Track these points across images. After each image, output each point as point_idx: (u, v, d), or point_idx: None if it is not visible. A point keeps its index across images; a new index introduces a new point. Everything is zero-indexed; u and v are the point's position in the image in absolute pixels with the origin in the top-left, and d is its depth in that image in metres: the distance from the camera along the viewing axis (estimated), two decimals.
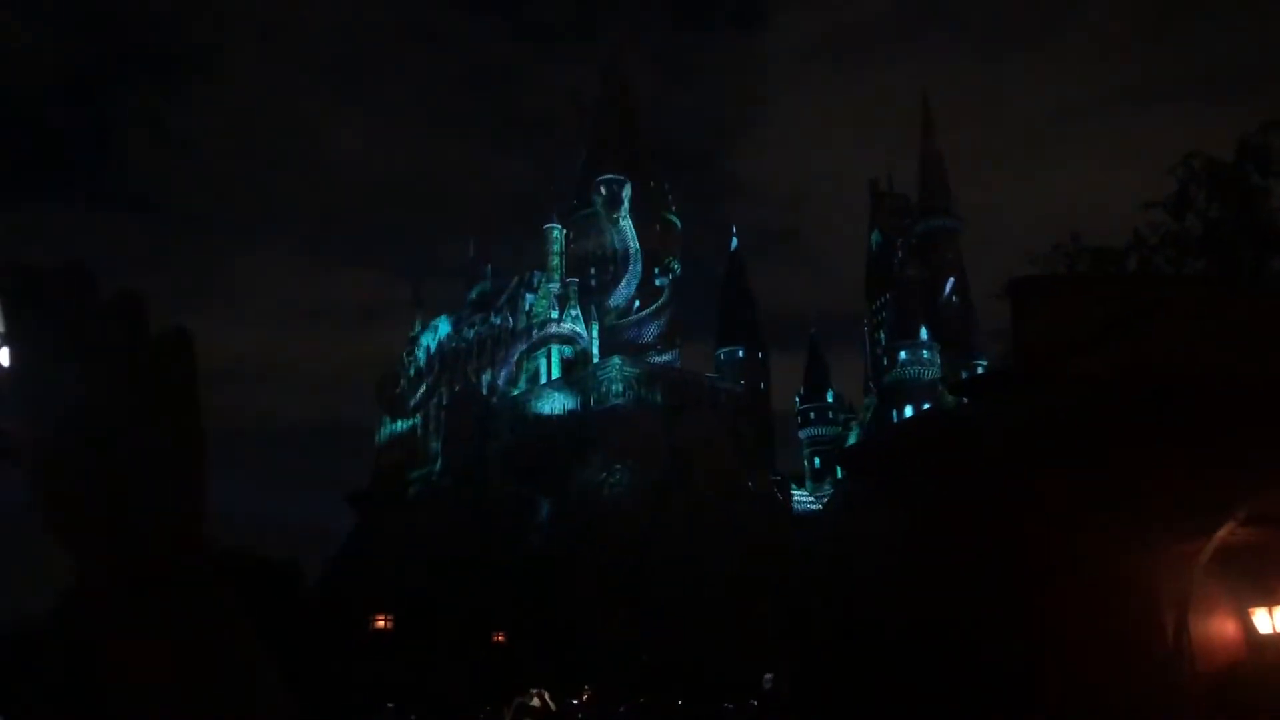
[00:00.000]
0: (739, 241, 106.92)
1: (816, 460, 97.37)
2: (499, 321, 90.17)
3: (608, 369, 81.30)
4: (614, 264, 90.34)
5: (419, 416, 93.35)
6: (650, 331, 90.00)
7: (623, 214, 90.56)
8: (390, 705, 35.72)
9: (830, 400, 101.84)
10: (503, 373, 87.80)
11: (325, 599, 49.07)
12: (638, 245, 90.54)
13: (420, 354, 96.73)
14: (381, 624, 36.41)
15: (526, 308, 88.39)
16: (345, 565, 73.68)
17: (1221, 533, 0.74)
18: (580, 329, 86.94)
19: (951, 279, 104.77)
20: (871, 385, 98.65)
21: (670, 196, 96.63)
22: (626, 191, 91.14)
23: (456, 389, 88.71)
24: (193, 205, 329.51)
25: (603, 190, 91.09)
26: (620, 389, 78.31)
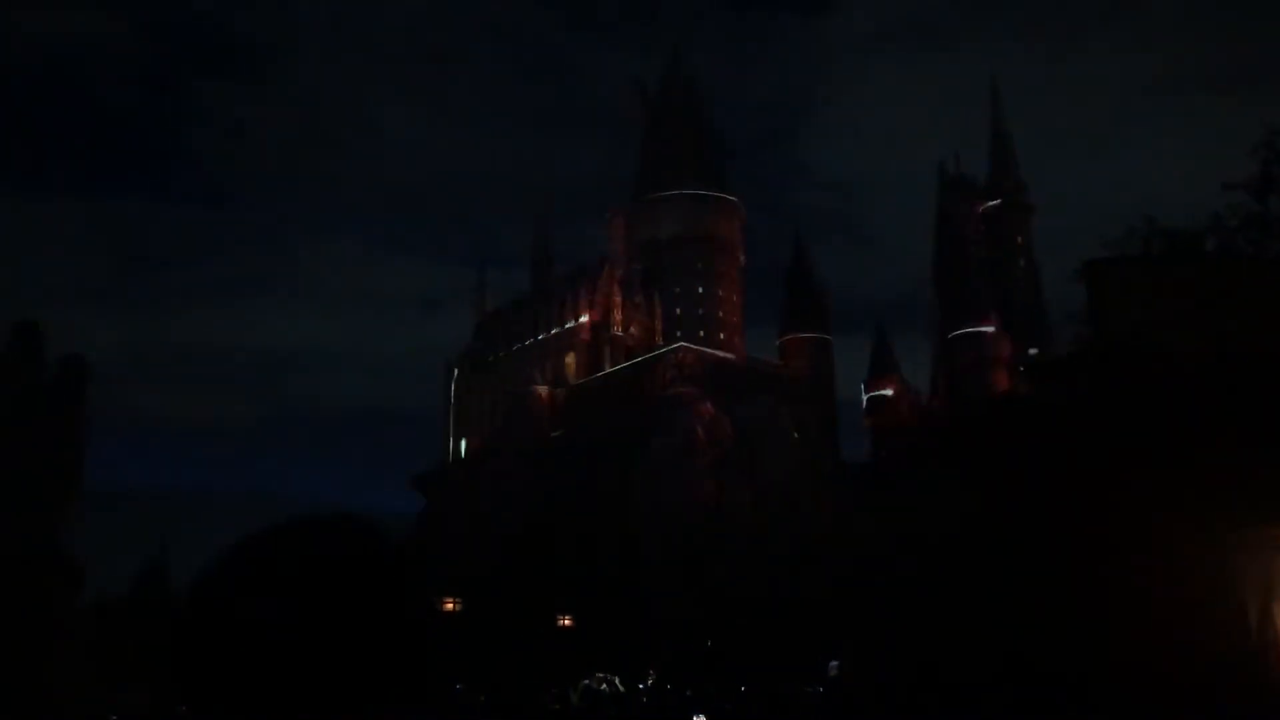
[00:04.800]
0: (803, 227, 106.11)
1: (883, 446, 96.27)
2: (562, 308, 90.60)
3: (671, 355, 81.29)
4: (677, 249, 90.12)
5: (485, 401, 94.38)
6: (714, 317, 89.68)
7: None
8: (459, 687, 36.29)
9: (896, 386, 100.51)
10: (566, 358, 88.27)
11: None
12: (701, 233, 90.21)
13: (484, 340, 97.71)
14: (450, 606, 36.99)
15: (590, 294, 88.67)
16: (413, 548, 74.61)
17: None
18: (644, 315, 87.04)
19: (1021, 262, 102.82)
20: (939, 370, 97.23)
21: (734, 182, 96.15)
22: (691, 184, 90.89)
23: (520, 375, 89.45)
24: (259, 195, 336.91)
25: (666, 178, 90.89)
26: (684, 375, 78.26)
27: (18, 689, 38.09)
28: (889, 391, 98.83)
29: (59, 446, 46.03)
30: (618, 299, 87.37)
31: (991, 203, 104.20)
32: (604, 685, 33.11)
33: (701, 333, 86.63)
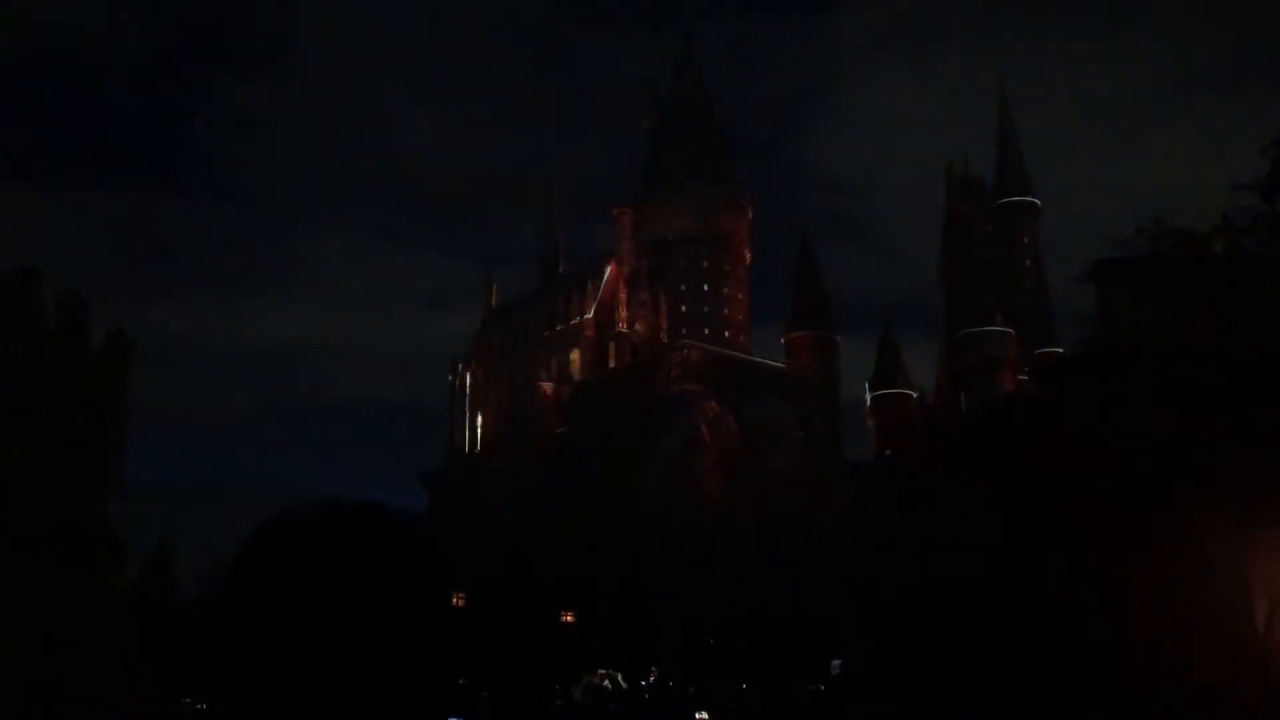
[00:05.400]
0: (810, 226, 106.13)
1: (887, 446, 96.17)
2: (568, 305, 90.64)
3: (676, 353, 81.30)
4: (683, 248, 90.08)
5: (491, 398, 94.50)
6: (720, 316, 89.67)
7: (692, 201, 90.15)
8: (461, 682, 36.30)
9: (902, 385, 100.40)
10: (571, 355, 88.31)
11: None
12: (708, 231, 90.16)
13: (490, 336, 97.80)
14: (455, 602, 37.01)
15: (596, 292, 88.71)
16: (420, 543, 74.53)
17: None
18: (649, 313, 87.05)
19: (1028, 261, 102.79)
20: (945, 369, 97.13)
21: (740, 182, 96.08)
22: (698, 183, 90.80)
23: (526, 372, 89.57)
24: (265, 189, 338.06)
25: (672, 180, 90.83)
26: (689, 373, 78.26)
27: (53, 681, 38.14)
28: (894, 391, 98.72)
29: (101, 425, 46.51)
30: (623, 296, 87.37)
31: (999, 200, 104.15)
32: (606, 682, 33.15)
33: (707, 331, 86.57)
